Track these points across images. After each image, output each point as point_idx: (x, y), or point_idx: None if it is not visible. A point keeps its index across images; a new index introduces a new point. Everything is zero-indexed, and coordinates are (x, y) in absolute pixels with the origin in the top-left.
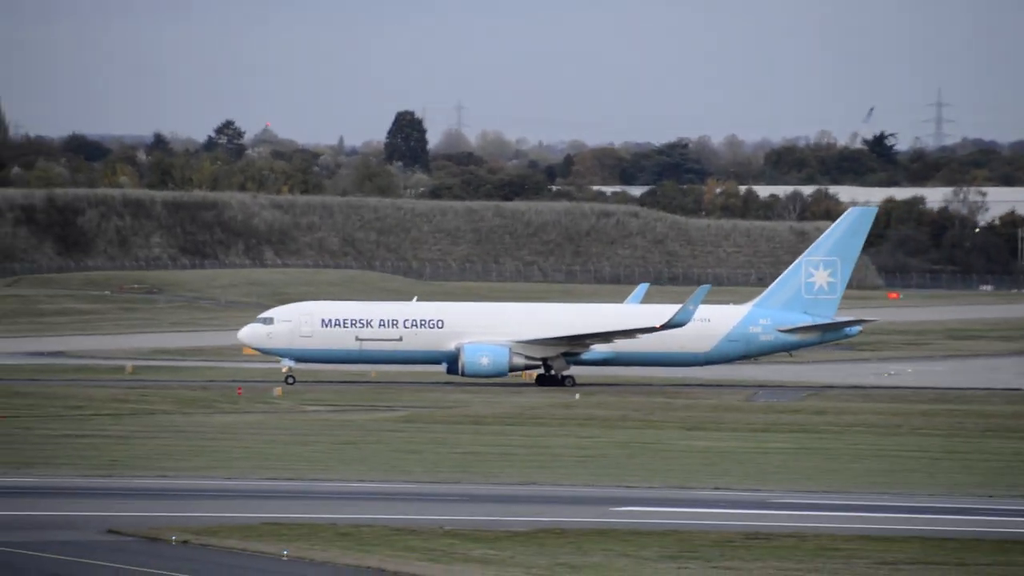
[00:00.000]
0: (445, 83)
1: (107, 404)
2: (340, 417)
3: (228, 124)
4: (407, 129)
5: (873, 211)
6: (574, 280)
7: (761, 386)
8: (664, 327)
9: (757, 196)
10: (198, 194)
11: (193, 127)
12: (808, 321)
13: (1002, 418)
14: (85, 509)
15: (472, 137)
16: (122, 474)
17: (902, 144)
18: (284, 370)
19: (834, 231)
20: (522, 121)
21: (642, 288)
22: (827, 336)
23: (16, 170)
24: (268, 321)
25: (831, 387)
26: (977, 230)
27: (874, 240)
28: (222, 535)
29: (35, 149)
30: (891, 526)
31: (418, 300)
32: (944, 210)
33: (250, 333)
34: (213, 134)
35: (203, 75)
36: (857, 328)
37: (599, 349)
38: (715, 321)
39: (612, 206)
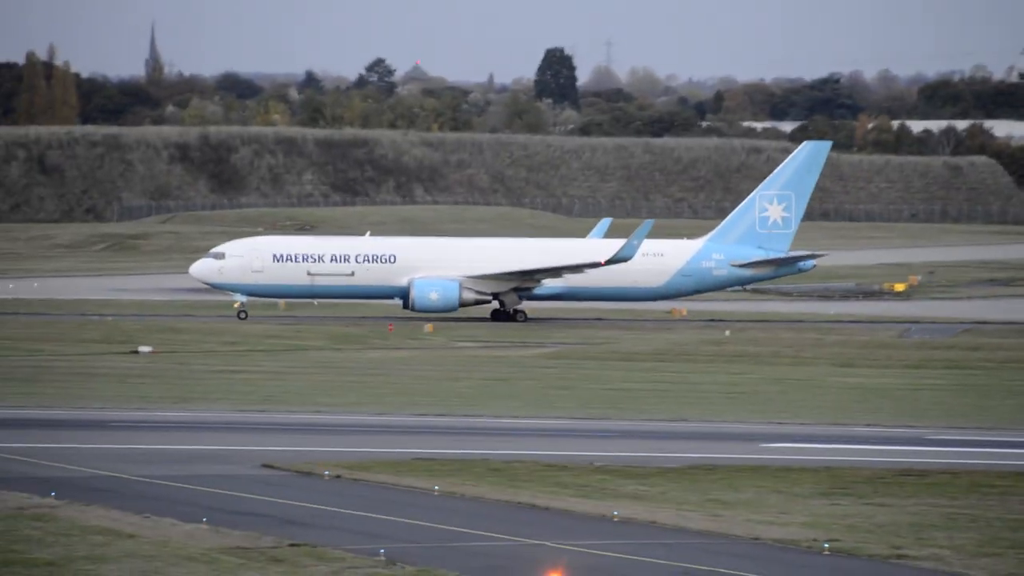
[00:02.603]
0: (595, 19)
1: (262, 340)
2: (491, 353)
3: (379, 62)
4: (556, 66)
5: (828, 145)
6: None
7: (914, 322)
8: (608, 262)
9: (910, 131)
10: (349, 132)
11: (344, 65)
12: (762, 256)
13: None
14: (240, 444)
15: (621, 74)
16: (276, 409)
17: None
18: (236, 305)
19: (788, 165)
20: (672, 57)
21: (605, 222)
22: (781, 271)
23: (171, 108)
24: (220, 256)
25: (986, 323)
26: None
27: None
28: (374, 470)
29: (189, 88)
30: None
31: (371, 235)
32: None
33: (202, 268)
34: (364, 72)
35: (354, 13)
36: (811, 262)
37: (551, 284)
38: (668, 256)
39: (762, 142)
